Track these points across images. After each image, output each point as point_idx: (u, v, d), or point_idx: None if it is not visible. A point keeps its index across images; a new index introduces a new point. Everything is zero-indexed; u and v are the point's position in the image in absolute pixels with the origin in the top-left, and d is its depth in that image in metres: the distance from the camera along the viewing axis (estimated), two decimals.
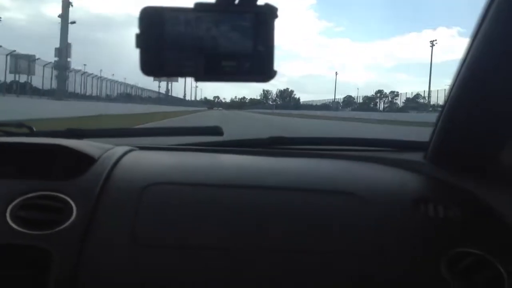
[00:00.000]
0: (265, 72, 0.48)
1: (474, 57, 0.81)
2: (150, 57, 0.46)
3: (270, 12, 0.47)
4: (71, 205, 0.71)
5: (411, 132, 10.95)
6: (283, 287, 0.66)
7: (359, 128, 16.25)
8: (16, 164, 0.84)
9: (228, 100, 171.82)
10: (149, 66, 0.47)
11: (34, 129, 1.11)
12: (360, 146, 1.16)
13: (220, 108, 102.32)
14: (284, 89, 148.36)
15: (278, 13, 0.46)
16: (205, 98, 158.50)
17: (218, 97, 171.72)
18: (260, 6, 0.46)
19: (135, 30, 0.45)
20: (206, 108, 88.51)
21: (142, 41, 0.46)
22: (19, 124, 1.12)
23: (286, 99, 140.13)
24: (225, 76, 0.47)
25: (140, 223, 0.69)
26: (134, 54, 0.45)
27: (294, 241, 0.69)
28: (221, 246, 0.68)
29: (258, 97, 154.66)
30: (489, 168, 0.85)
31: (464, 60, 0.84)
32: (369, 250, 0.68)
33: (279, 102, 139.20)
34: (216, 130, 1.15)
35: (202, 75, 0.47)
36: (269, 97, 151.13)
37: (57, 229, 0.68)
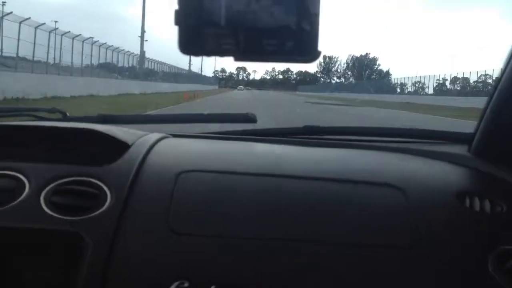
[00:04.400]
0: (309, 52, 0.48)
1: None
2: (189, 34, 0.48)
3: None
4: (105, 191, 0.75)
5: None
6: (322, 279, 0.68)
7: None
8: (49, 148, 0.88)
9: (256, 75, 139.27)
10: (188, 44, 0.48)
11: (68, 114, 1.19)
12: (401, 138, 1.17)
13: (241, 87, 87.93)
14: (362, 55, 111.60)
15: None
16: (221, 72, 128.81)
17: (243, 69, 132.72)
18: None
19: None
20: (217, 87, 73.81)
21: (181, 17, 0.47)
22: (52, 109, 1.21)
23: (365, 72, 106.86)
24: (266, 55, 0.48)
25: (175, 210, 0.72)
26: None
27: (333, 233, 0.72)
28: (256, 235, 0.71)
29: (316, 69, 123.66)
30: None
31: None
32: (411, 244, 0.70)
33: (351, 79, 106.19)
34: (249, 117, 1.20)
35: (242, 54, 0.48)
36: (334, 68, 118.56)
37: (91, 215, 0.71)
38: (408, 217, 0.73)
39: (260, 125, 1.18)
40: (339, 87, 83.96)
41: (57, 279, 0.72)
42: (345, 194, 0.78)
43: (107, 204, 0.73)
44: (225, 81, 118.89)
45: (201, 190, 0.77)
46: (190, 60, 45.11)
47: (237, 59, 0.48)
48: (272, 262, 0.69)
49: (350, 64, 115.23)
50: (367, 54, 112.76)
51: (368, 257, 0.69)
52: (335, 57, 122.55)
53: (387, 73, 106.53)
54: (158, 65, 37.68)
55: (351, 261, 0.69)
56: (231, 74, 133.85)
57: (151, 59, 34.17)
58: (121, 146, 0.85)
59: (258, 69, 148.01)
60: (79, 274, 0.67)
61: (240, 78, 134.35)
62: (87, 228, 0.70)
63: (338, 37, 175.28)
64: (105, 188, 0.75)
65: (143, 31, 29.01)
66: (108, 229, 0.70)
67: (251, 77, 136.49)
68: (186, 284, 0.68)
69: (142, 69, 28.45)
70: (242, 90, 78.15)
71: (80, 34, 20.26)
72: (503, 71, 0.85)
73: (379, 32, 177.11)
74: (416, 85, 49.23)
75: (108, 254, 0.68)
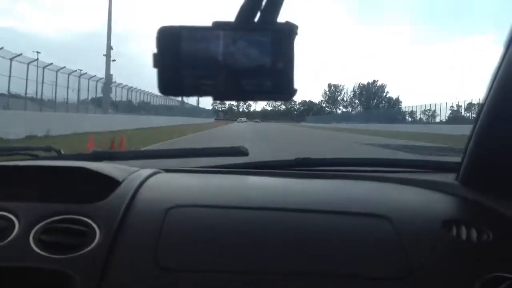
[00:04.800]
0: (286, 90, 0.51)
1: (507, 69, 0.85)
2: (168, 76, 0.50)
3: (290, 30, 0.50)
4: (94, 228, 0.79)
5: None
6: None
7: None
8: (41, 187, 0.93)
9: (258, 106, 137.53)
10: (167, 86, 0.51)
11: (62, 152, 1.25)
12: (390, 167, 1.24)
13: (243, 119, 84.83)
14: (369, 83, 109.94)
15: (298, 31, 0.49)
16: (220, 104, 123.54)
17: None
18: (280, 24, 0.50)
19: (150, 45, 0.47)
20: (213, 120, 69.57)
21: (159, 60, 0.50)
22: (47, 148, 1.29)
23: (373, 100, 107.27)
24: (245, 94, 0.51)
25: (164, 246, 0.75)
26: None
27: (323, 264, 0.75)
28: (247, 270, 0.73)
29: (321, 98, 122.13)
30: None
31: (497, 73, 0.88)
32: (400, 273, 0.73)
33: (358, 108, 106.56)
34: (240, 151, 1.26)
35: (222, 94, 0.50)
36: (340, 96, 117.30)
37: (80, 252, 0.74)
38: (396, 247, 0.77)
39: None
40: (346, 117, 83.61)
41: None
42: (334, 225, 0.83)
43: (95, 241, 0.76)
44: (223, 113, 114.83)
45: (191, 225, 0.81)
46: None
47: (216, 98, 0.51)
48: None
49: (357, 92, 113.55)
50: (374, 81, 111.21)
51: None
52: (340, 86, 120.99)
53: (397, 101, 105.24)
54: (151, 97, 37.51)
55: None
56: (231, 106, 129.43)
57: (144, 91, 33.82)
58: (113, 183, 0.90)
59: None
60: None
61: (240, 110, 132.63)
62: (75, 266, 0.72)
63: (344, 65, 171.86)
64: (94, 226, 0.79)
65: (108, 52, 27.78)
66: (96, 267, 0.72)
67: (251, 109, 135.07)
68: None
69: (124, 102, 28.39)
70: (243, 122, 74.83)
71: (64, 67, 20.31)
72: (485, 99, 0.89)
73: (386, 58, 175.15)
74: (426, 113, 48.77)
75: None
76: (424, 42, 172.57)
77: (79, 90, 21.39)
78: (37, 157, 1.21)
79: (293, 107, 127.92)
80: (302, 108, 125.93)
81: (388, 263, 0.76)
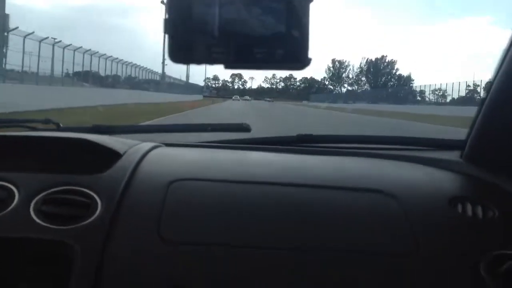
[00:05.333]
0: (300, 59, 0.51)
1: None
2: (179, 43, 0.50)
3: None
4: (96, 200, 0.82)
5: None
6: (319, 287, 0.73)
7: None
8: (41, 158, 0.97)
9: (254, 82, 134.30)
10: (178, 52, 0.51)
11: (61, 125, 1.30)
12: (394, 145, 1.29)
13: (238, 97, 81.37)
14: (378, 59, 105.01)
15: None
16: (213, 80, 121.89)
17: (238, 76, 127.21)
18: None
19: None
20: (201, 97, 63.75)
21: (170, 26, 0.50)
22: (46, 120, 1.32)
23: (382, 78, 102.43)
24: (257, 63, 0.51)
25: (166, 219, 0.79)
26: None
27: (324, 239, 0.78)
28: (248, 243, 0.77)
29: (324, 75, 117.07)
30: None
31: (506, 53, 0.92)
32: (406, 250, 0.77)
33: (365, 87, 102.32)
34: (243, 127, 1.33)
35: (233, 62, 0.51)
36: (345, 73, 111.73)
37: (81, 224, 0.78)
38: (402, 224, 0.82)
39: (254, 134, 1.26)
40: (352, 96, 79.88)
41: None
42: (339, 201, 0.87)
43: (97, 213, 0.80)
44: (217, 90, 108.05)
45: (193, 199, 0.85)
46: (163, 64, 40.31)
47: (227, 67, 0.52)
48: (266, 271, 0.75)
49: (365, 69, 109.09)
50: (383, 57, 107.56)
51: (363, 264, 0.76)
52: (345, 61, 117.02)
53: (408, 79, 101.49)
54: (140, 70, 35.46)
55: (347, 268, 0.76)
56: (225, 82, 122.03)
57: (131, 63, 32.43)
58: (113, 156, 0.94)
59: (256, 76, 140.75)
60: (69, 284, 0.71)
61: (235, 87, 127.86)
62: (77, 237, 0.76)
63: (349, 39, 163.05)
64: (96, 197, 0.83)
65: None
66: (98, 239, 0.76)
67: (247, 86, 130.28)
68: None
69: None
70: (238, 100, 70.33)
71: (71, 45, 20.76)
72: (494, 77, 0.94)
73: (396, 32, 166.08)
74: (436, 92, 47.45)
75: (98, 264, 0.73)
76: (438, 18, 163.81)
77: (63, 62, 21.40)
78: (35, 129, 1.25)
79: (292, 84, 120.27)
80: (302, 85, 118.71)
81: (394, 239, 0.79)
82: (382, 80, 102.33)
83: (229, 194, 0.87)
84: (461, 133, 1.15)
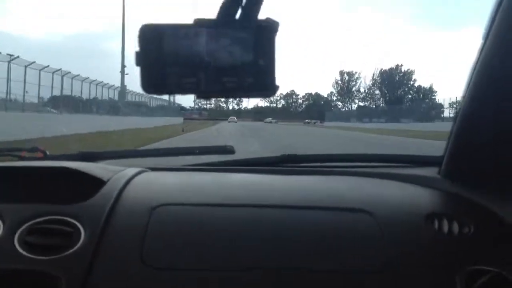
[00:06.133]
0: (267, 87, 0.57)
1: (486, 62, 0.96)
2: (151, 74, 0.55)
3: (272, 27, 0.56)
4: (79, 228, 0.88)
5: None
6: None
7: None
8: (26, 188, 1.06)
9: (250, 102, 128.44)
10: (150, 83, 0.56)
11: (48, 153, 1.39)
12: (372, 162, 1.42)
13: (234, 119, 77.55)
14: (393, 68, 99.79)
15: (279, 27, 0.55)
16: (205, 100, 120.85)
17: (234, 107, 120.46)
18: (261, 21, 0.56)
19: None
20: (181, 120, 54.04)
21: (142, 58, 0.55)
22: (33, 149, 1.40)
23: (397, 90, 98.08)
24: (227, 92, 0.56)
25: (150, 245, 0.86)
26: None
27: (306, 260, 0.87)
28: (232, 267, 0.85)
29: (330, 90, 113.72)
30: (505, 183, 1.03)
31: (475, 67, 1.00)
32: (381, 267, 0.85)
33: (380, 101, 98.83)
34: (227, 149, 1.42)
35: (204, 91, 0.56)
36: (355, 87, 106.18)
37: (65, 253, 0.83)
38: (378, 241, 0.90)
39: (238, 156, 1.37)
40: (366, 114, 75.03)
41: None
42: (317, 221, 0.95)
43: (80, 242, 0.86)
44: (208, 111, 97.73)
45: (176, 223, 0.93)
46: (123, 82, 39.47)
47: (199, 96, 0.57)
48: None
49: (378, 81, 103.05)
50: (398, 66, 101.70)
51: (339, 284, 0.84)
52: (355, 73, 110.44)
53: (430, 91, 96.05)
54: (110, 90, 33.87)
55: (323, 287, 0.84)
56: (217, 101, 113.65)
57: (99, 82, 30.53)
58: (98, 183, 1.03)
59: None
60: None
61: (230, 107, 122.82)
62: (61, 267, 0.81)
63: (359, 48, 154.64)
64: (79, 226, 0.89)
65: None
66: (81, 267, 0.81)
67: (243, 106, 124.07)
68: None
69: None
70: (235, 122, 66.37)
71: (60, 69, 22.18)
72: (465, 94, 1.04)
73: (411, 38, 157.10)
74: (454, 106, 44.20)
75: None
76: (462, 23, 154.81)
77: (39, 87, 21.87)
78: (22, 158, 1.34)
79: (294, 102, 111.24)
80: (306, 103, 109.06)
81: (370, 257, 0.87)
82: (398, 93, 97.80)
83: (211, 218, 0.94)
84: None
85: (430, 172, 1.21)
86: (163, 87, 0.56)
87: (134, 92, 37.65)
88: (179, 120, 46.75)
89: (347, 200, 1.03)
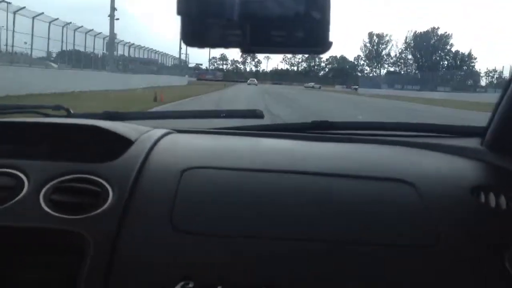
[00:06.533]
0: (320, 43, 0.52)
1: None
2: (192, 25, 0.52)
3: None
4: (107, 188, 0.88)
5: None
6: (335, 280, 0.80)
7: None
8: (51, 145, 1.07)
9: (270, 63, 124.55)
10: (191, 35, 0.52)
11: (72, 111, 1.41)
12: (412, 132, 1.38)
13: (254, 81, 70.71)
14: (429, 31, 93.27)
15: None
16: (221, 60, 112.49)
17: (252, 55, 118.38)
18: None
19: None
20: (185, 82, 50.20)
21: (183, 7, 0.51)
22: (57, 106, 1.42)
23: (432, 56, 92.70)
24: (274, 47, 0.53)
25: (179, 208, 0.85)
26: None
27: (340, 231, 0.84)
28: (263, 234, 0.84)
29: (359, 53, 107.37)
30: None
31: None
32: (426, 242, 0.84)
33: (413, 67, 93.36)
34: (256, 113, 1.42)
35: (249, 46, 0.52)
36: (385, 51, 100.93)
37: (93, 213, 0.83)
38: (422, 214, 0.88)
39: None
40: (397, 80, 69.40)
41: (59, 279, 0.87)
42: (357, 191, 0.94)
43: (108, 202, 0.86)
44: (224, 72, 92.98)
45: (207, 188, 0.93)
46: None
47: (244, 51, 0.53)
48: (281, 262, 0.80)
49: (411, 44, 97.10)
50: (434, 29, 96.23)
51: (381, 257, 0.81)
52: (386, 35, 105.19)
53: (469, 57, 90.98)
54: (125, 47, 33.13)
55: (366, 261, 0.82)
56: (234, 62, 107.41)
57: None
58: (125, 143, 1.03)
59: (272, 56, 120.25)
60: (81, 274, 0.76)
61: (248, 68, 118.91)
62: (88, 227, 0.81)
63: (391, 7, 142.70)
64: (107, 186, 0.89)
65: None
66: (110, 228, 0.81)
67: (261, 67, 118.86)
68: (191, 285, 0.76)
69: None
70: (255, 84, 62.17)
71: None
72: None
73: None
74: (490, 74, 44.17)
75: (110, 254, 0.78)
76: None
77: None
78: (46, 116, 1.35)
79: (317, 65, 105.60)
80: (330, 66, 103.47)
81: (414, 231, 0.85)
82: (432, 59, 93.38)
83: (243, 183, 0.93)
84: None
85: (472, 143, 1.20)
86: (205, 40, 0.52)
87: (136, 45, 35.41)
88: (180, 80, 42.63)
89: (387, 169, 1.01)
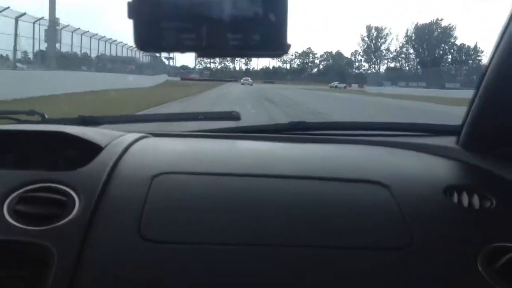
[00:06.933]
0: (277, 46, 0.52)
1: None
2: (145, 29, 0.51)
3: None
4: (73, 197, 0.87)
5: None
6: (300, 284, 0.79)
7: None
8: (19, 153, 1.08)
9: (259, 62, 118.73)
10: (144, 40, 0.52)
11: (46, 116, 1.41)
12: (387, 131, 1.41)
13: (249, 80, 65.01)
14: (432, 22, 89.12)
15: None
16: (202, 61, 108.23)
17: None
18: None
19: None
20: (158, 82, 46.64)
21: (135, 10, 0.51)
22: (31, 112, 1.41)
23: (436, 50, 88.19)
24: (230, 50, 0.52)
25: (148, 216, 0.84)
26: None
27: (319, 236, 0.85)
28: (238, 242, 0.82)
29: (358, 47, 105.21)
30: None
31: (503, 35, 1.00)
32: (399, 243, 0.86)
33: (415, 61, 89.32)
34: (232, 115, 1.43)
35: (205, 50, 0.52)
36: (384, 45, 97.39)
37: (58, 224, 0.82)
38: (395, 215, 0.90)
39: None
40: (399, 76, 64.47)
41: None
42: (330, 193, 0.95)
43: (74, 212, 0.85)
44: (210, 72, 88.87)
45: (178, 194, 0.92)
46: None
47: (200, 55, 0.54)
48: (254, 270, 0.80)
49: (412, 37, 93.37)
50: (437, 21, 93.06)
51: (354, 260, 0.82)
52: (385, 28, 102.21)
53: (475, 50, 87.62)
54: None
55: (340, 264, 0.81)
56: (223, 61, 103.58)
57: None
58: (95, 149, 1.03)
59: None
60: (45, 287, 0.75)
61: (237, 67, 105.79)
62: (52, 238, 0.80)
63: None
64: (73, 194, 0.88)
65: None
66: (75, 239, 0.80)
67: (251, 66, 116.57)
68: None
69: None
70: (250, 84, 56.20)
71: None
72: (491, 58, 1.05)
73: None
74: None
75: (75, 266, 0.77)
76: None
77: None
78: (19, 121, 1.36)
79: (311, 62, 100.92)
80: (324, 63, 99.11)
81: (387, 232, 0.87)
82: (436, 53, 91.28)
83: (216, 188, 0.93)
84: None
85: (447, 141, 1.22)
86: (159, 44, 0.52)
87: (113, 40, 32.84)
88: (154, 80, 37.53)
89: (361, 171, 1.03)
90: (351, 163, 1.10)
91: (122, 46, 35.32)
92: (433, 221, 0.88)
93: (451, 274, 0.80)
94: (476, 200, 0.93)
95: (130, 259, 0.78)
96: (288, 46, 0.53)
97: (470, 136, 1.14)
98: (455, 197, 0.94)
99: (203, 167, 0.99)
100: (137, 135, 1.15)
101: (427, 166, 1.10)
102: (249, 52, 0.53)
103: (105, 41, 31.41)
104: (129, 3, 0.50)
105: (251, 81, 63.48)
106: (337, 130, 1.42)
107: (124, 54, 37.55)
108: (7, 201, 0.85)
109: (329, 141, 1.29)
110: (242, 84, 56.13)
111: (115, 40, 33.28)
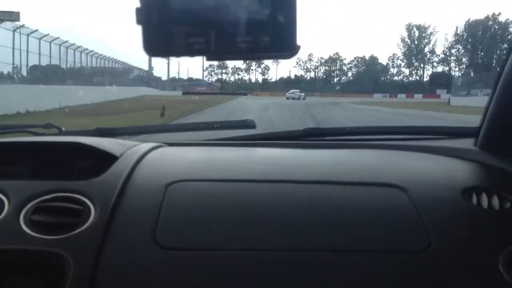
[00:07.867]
0: (287, 47, 0.55)
1: None
2: (154, 34, 0.53)
3: None
4: (89, 206, 0.94)
5: None
6: None
7: None
8: (34, 164, 1.16)
9: (279, 70, 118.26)
10: (153, 45, 0.54)
11: (63, 129, 1.51)
12: (403, 135, 1.47)
13: (299, 94, 54.23)
14: (488, 17, 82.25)
15: None
16: (220, 69, 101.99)
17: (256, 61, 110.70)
18: None
19: None
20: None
21: (143, 16, 0.53)
22: (48, 125, 1.50)
23: (493, 50, 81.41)
24: (240, 53, 0.54)
25: (163, 224, 0.91)
26: None
27: (334, 239, 0.91)
28: (254, 248, 0.88)
29: (392, 53, 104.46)
30: None
31: None
32: (418, 246, 0.89)
33: (469, 67, 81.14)
34: (248, 124, 1.49)
35: (214, 53, 0.54)
36: (428, 46, 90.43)
37: (73, 232, 0.89)
38: (413, 218, 0.95)
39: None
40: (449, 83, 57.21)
41: None
42: (348, 197, 1.02)
43: (90, 220, 0.92)
44: (220, 84, 79.75)
45: (193, 201, 0.98)
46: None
47: (209, 59, 0.56)
48: (271, 276, 0.85)
49: (465, 36, 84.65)
50: (494, 15, 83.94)
51: (373, 264, 0.87)
52: (429, 27, 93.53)
53: None
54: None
55: (359, 268, 0.87)
56: (236, 70, 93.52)
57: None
58: (109, 159, 1.11)
59: (281, 60, 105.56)
60: None
61: (253, 79, 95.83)
62: (69, 247, 0.86)
63: None
64: (89, 204, 0.95)
65: None
66: (91, 247, 0.87)
67: (269, 76, 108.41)
68: None
69: None
70: (297, 98, 45.83)
71: None
72: (506, 60, 1.11)
73: None
74: None
75: (92, 275, 0.83)
76: None
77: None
78: (37, 134, 1.45)
79: (338, 69, 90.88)
80: (356, 70, 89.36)
81: (405, 236, 0.92)
82: (494, 54, 77.30)
83: (231, 195, 1.00)
84: None
85: (465, 144, 1.28)
86: (168, 49, 0.54)
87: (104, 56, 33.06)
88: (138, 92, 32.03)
89: (378, 174, 1.11)
90: (368, 167, 1.15)
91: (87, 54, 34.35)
92: (452, 223, 0.93)
93: (471, 276, 0.85)
94: (495, 201, 0.98)
95: (146, 266, 0.83)
96: (298, 47, 0.55)
97: (488, 138, 1.19)
98: (474, 199, 0.99)
99: (217, 174, 1.06)
100: (152, 145, 1.22)
101: (444, 168, 1.15)
102: (258, 54, 0.55)
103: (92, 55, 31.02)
104: (137, 9, 0.53)
105: (303, 94, 51.44)
106: (353, 135, 1.48)
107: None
108: (24, 211, 0.92)
109: (344, 146, 1.35)
110: (287, 98, 46.22)
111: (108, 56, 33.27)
